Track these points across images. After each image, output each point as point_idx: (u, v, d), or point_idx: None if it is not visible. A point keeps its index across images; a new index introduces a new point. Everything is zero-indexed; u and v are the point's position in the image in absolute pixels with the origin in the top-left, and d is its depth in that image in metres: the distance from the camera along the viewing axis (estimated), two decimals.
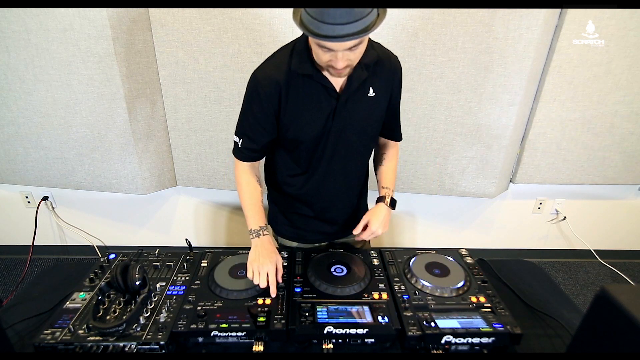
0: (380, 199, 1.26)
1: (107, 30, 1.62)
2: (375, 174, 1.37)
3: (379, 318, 0.97)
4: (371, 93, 1.10)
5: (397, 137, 1.32)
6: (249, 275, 1.06)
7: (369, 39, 1.03)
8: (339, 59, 0.90)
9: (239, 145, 1.15)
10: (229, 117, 1.90)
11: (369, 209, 1.27)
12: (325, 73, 1.03)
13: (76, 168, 1.99)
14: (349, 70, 0.98)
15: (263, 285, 1.04)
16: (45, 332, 0.92)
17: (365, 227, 1.21)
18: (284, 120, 1.09)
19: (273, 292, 1.04)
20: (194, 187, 2.16)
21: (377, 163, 1.34)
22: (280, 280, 1.08)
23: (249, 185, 1.18)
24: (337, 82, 1.06)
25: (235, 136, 1.15)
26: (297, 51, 1.03)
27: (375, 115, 1.16)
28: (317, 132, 1.10)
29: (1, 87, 1.77)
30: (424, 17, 1.66)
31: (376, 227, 1.19)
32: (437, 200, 2.30)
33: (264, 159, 1.28)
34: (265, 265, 1.06)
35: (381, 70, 1.10)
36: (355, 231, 1.22)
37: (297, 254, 1.23)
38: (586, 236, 2.47)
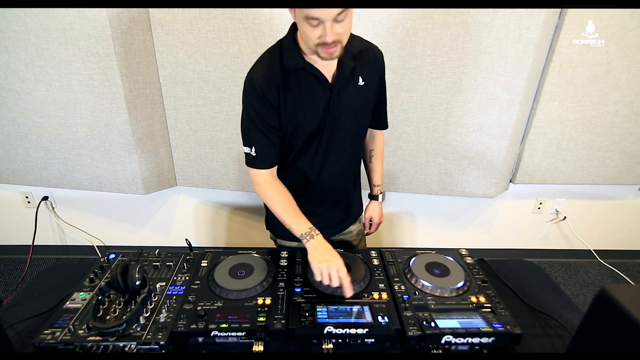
0: (374, 197, 1.44)
1: (107, 30, 1.62)
2: (366, 171, 1.44)
3: (379, 318, 0.97)
4: (361, 82, 1.13)
5: (384, 125, 1.35)
6: (318, 278, 1.02)
7: (350, 33, 1.03)
8: (327, 32, 0.90)
9: (253, 154, 1.12)
10: (229, 117, 1.90)
11: (365, 206, 1.49)
12: (317, 65, 1.05)
13: (76, 168, 1.99)
14: (340, 51, 0.97)
15: (336, 284, 1.00)
16: (45, 332, 0.92)
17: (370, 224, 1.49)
18: (283, 116, 1.10)
19: (349, 290, 1.00)
20: (194, 187, 2.17)
21: (367, 160, 1.41)
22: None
23: (278, 193, 1.15)
24: (329, 73, 1.08)
25: (245, 147, 1.12)
26: (286, 47, 1.05)
27: (367, 103, 1.19)
28: (314, 125, 1.12)
29: (1, 87, 1.77)
30: (424, 17, 1.66)
31: (378, 221, 1.47)
32: (437, 200, 2.30)
33: None
34: (333, 264, 1.02)
35: (367, 59, 1.13)
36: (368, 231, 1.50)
37: (297, 253, 1.23)
38: (586, 236, 2.47)
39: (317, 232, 1.10)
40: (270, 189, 1.16)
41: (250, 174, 1.18)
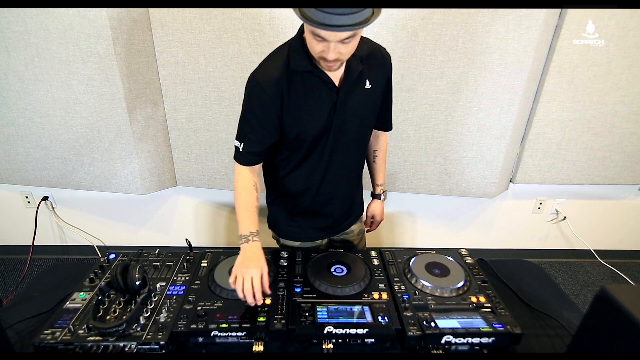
0: (376, 196, 1.46)
1: (107, 30, 1.62)
2: (370, 171, 1.45)
3: (379, 318, 0.97)
4: (367, 85, 1.12)
5: (389, 126, 1.36)
6: (231, 280, 0.98)
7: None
8: (330, 50, 0.91)
9: (240, 149, 1.13)
10: (229, 117, 1.90)
11: (367, 205, 1.50)
12: (323, 67, 1.04)
13: (76, 168, 1.99)
14: (339, 65, 0.99)
15: (248, 291, 0.95)
16: (45, 332, 0.92)
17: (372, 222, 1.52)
18: (287, 120, 1.09)
19: (259, 300, 0.96)
20: (194, 187, 2.16)
21: (370, 161, 1.42)
22: (267, 290, 0.99)
23: (244, 189, 1.14)
24: (336, 77, 1.08)
25: (236, 141, 1.13)
26: (294, 49, 1.04)
27: (373, 106, 1.19)
28: (319, 128, 1.11)
29: (1, 87, 1.77)
30: (424, 17, 1.66)
31: (379, 219, 1.49)
32: (437, 200, 2.30)
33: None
34: (250, 272, 0.97)
35: (374, 62, 1.13)
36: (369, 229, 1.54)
37: (297, 254, 1.23)
38: (586, 236, 2.47)
39: (257, 238, 1.07)
40: (239, 181, 1.15)
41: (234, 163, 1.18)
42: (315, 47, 0.94)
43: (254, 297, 0.95)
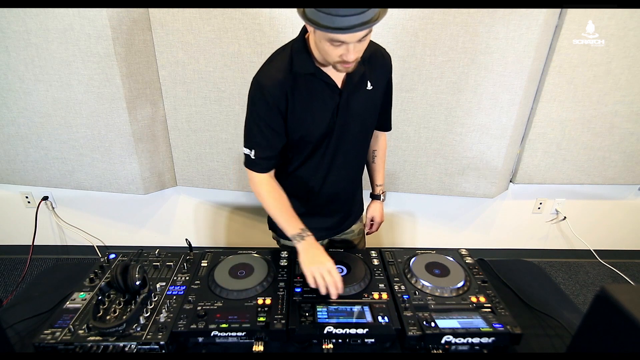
0: (376, 197, 1.45)
1: (107, 30, 1.62)
2: (369, 171, 1.44)
3: (379, 318, 0.97)
4: (369, 86, 1.12)
5: (388, 127, 1.36)
6: (310, 280, 1.02)
7: None
8: (350, 52, 0.91)
9: (252, 157, 1.11)
10: (229, 117, 1.90)
11: (367, 206, 1.49)
12: (327, 70, 1.04)
13: (76, 168, 1.99)
14: (356, 64, 0.98)
15: (334, 283, 1.00)
16: (45, 332, 0.92)
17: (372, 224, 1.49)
18: (291, 122, 1.09)
19: (340, 290, 1.01)
20: (194, 187, 2.17)
21: (370, 161, 1.42)
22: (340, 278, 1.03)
23: (270, 193, 1.14)
24: (338, 79, 1.08)
25: (245, 149, 1.12)
26: (296, 52, 1.04)
27: (374, 107, 1.19)
28: (322, 130, 1.11)
29: (1, 87, 1.77)
30: (424, 17, 1.66)
31: (379, 220, 1.47)
32: (437, 200, 2.30)
33: None
34: (324, 266, 1.02)
35: (375, 63, 1.13)
36: (370, 231, 1.50)
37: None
38: (586, 236, 2.47)
39: (309, 233, 1.10)
40: (264, 188, 1.15)
41: (247, 172, 1.18)
42: (333, 52, 0.93)
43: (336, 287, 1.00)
